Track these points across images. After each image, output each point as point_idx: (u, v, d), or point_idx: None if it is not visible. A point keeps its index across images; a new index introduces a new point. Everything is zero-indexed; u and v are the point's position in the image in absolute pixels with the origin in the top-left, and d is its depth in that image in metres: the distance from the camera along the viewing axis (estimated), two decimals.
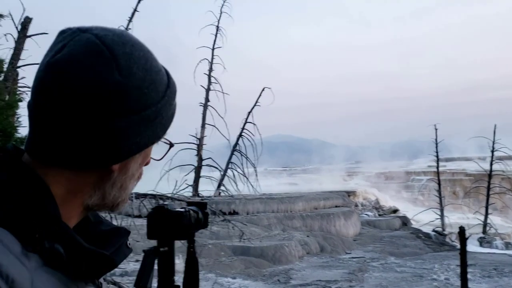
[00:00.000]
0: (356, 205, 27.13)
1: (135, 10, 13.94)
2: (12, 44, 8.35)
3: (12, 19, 8.66)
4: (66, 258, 0.74)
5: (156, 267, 1.34)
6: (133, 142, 0.80)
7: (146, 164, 0.92)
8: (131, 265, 10.13)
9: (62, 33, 0.81)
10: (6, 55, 8.09)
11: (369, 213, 26.44)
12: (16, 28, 8.60)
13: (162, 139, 0.88)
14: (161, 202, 6.43)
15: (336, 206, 20.98)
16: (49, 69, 0.76)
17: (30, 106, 0.79)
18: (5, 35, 8.87)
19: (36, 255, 0.73)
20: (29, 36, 8.22)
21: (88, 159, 0.78)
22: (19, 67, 7.87)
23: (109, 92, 0.75)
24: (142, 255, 1.30)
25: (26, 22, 8.20)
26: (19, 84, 7.97)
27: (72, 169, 0.79)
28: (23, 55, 8.31)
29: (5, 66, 5.68)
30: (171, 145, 0.93)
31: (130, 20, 13.50)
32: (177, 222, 1.28)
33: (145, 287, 1.25)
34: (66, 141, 0.76)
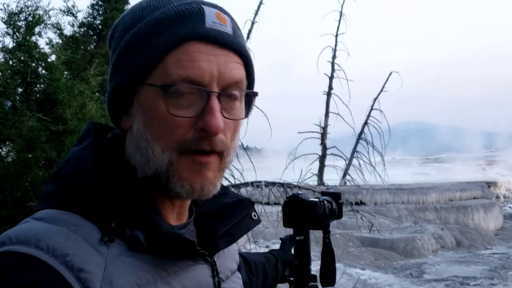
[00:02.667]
0: (498, 197, 24.72)
1: (261, 2, 14.29)
2: None
3: None
4: (146, 244, 0.73)
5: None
6: (113, 84, 0.82)
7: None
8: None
9: None
10: None
11: None
12: None
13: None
14: (288, 190, 6.55)
15: (474, 198, 19.36)
16: None
17: None
18: None
19: (121, 242, 0.73)
20: None
21: (113, 117, 0.85)
22: None
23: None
24: (280, 243, 1.33)
25: None
26: None
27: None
28: None
29: None
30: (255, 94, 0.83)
31: (256, 13, 13.88)
32: (311, 212, 1.29)
33: (283, 274, 1.28)
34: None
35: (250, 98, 0.82)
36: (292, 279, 1.29)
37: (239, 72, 0.78)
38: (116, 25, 0.83)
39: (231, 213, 0.89)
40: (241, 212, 0.90)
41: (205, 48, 0.74)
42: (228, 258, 0.96)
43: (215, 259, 0.87)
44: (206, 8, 0.76)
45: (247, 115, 0.82)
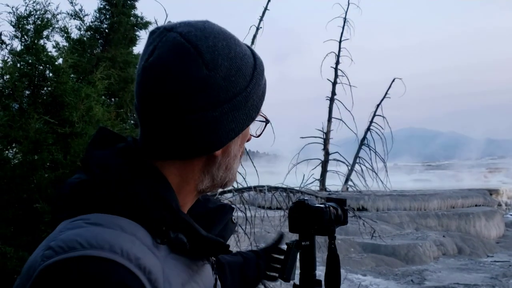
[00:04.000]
0: (500, 205, 24.66)
1: (265, 8, 14.34)
2: None
3: (157, 25, 9.52)
4: (188, 246, 0.83)
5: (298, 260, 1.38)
6: (229, 129, 0.86)
7: (248, 141, 0.99)
8: None
9: (152, 33, 0.89)
10: None
11: None
12: None
13: (260, 117, 0.95)
14: (291, 195, 6.56)
15: (476, 205, 19.32)
16: (145, 73, 0.83)
17: (137, 108, 0.88)
18: None
19: (164, 245, 0.81)
20: None
21: (193, 150, 0.86)
22: None
23: (200, 87, 0.81)
24: (285, 247, 1.35)
25: None
26: None
27: (181, 159, 0.88)
28: None
29: None
30: (267, 121, 0.98)
31: (261, 19, 13.93)
32: (317, 218, 1.31)
33: (288, 278, 1.30)
34: (172, 136, 0.84)
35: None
36: (298, 284, 1.31)
37: None
38: (215, 48, 0.84)
39: (216, 218, 0.99)
40: (225, 217, 1.00)
41: None
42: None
43: (214, 259, 1.01)
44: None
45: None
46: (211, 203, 1.01)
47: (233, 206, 1.10)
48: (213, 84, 0.82)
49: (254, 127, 0.96)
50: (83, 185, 0.83)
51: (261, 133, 1.00)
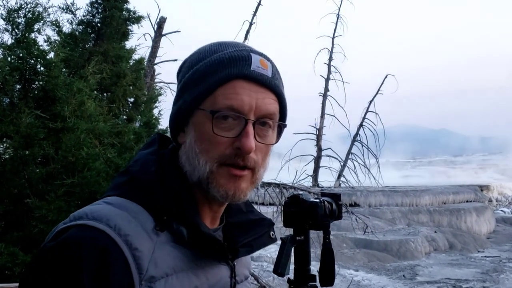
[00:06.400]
0: (490, 201, 24.92)
1: (259, 4, 14.32)
2: (149, 43, 9.16)
3: (150, 20, 9.46)
4: (187, 239, 0.90)
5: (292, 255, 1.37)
6: (176, 109, 0.99)
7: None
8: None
9: None
10: (145, 53, 8.91)
11: (505, 209, 24.10)
12: (153, 27, 9.37)
13: (276, 122, 0.98)
14: (284, 191, 6.56)
15: (467, 201, 19.49)
16: None
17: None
18: (143, 34, 9.75)
19: (168, 233, 0.90)
20: (164, 35, 8.90)
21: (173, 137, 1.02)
22: (156, 64, 8.59)
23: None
24: (279, 243, 1.35)
25: (161, 22, 8.88)
26: (156, 80, 8.70)
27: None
28: (159, 52, 9.06)
29: (145, 63, 6.24)
30: (284, 125, 1.02)
31: (254, 14, 13.90)
32: (312, 212, 1.30)
33: (282, 273, 1.29)
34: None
35: (281, 128, 1.02)
36: (292, 279, 1.31)
37: (273, 106, 0.96)
38: (184, 61, 1.03)
39: (253, 228, 1.06)
40: (262, 230, 1.07)
41: (248, 85, 0.93)
42: (243, 266, 1.12)
43: (235, 264, 1.04)
44: (253, 55, 0.96)
45: (277, 141, 1.01)
46: (253, 215, 1.08)
47: (273, 222, 1.13)
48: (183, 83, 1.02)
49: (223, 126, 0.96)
50: (119, 174, 0.99)
51: (277, 140, 1.03)
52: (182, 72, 1.02)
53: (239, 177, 0.94)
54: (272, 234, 1.10)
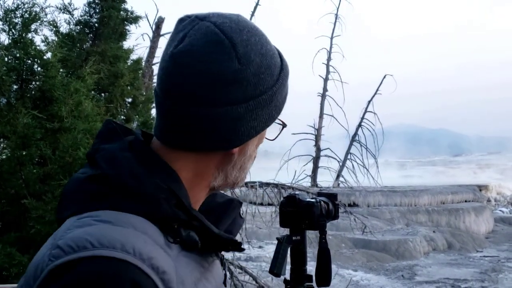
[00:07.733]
0: (489, 200, 24.93)
1: (257, 3, 14.33)
2: (147, 43, 9.14)
3: (148, 20, 9.46)
4: (200, 244, 0.80)
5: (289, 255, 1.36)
6: (251, 126, 0.83)
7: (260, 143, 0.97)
8: (255, 250, 10.53)
9: (181, 21, 0.84)
10: (143, 53, 8.89)
11: (503, 209, 24.12)
12: (151, 28, 9.37)
13: (276, 120, 0.91)
14: (282, 191, 6.56)
15: (465, 201, 19.49)
16: (173, 59, 0.79)
17: (156, 94, 0.83)
18: (142, 35, 9.75)
19: (176, 243, 0.78)
20: (163, 35, 8.89)
21: (212, 144, 0.82)
22: (154, 64, 8.56)
23: (229, 80, 0.78)
24: (276, 243, 1.34)
25: (159, 22, 8.86)
26: (153, 80, 8.69)
27: (198, 152, 0.84)
28: (157, 52, 9.04)
29: (143, 63, 6.23)
30: (284, 125, 0.95)
31: (252, 14, 13.91)
32: (308, 212, 1.30)
33: (279, 273, 1.29)
34: (191, 127, 0.80)
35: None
36: (288, 279, 1.30)
37: None
38: (246, 43, 0.81)
39: (225, 212, 0.95)
40: (234, 212, 0.97)
41: None
42: None
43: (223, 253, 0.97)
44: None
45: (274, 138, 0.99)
46: (219, 197, 0.97)
47: (241, 201, 1.04)
48: (243, 79, 0.79)
49: (268, 130, 0.92)
50: (91, 180, 0.78)
51: (277, 137, 0.97)
52: (253, 63, 0.81)
53: None
54: (241, 214, 1.02)
